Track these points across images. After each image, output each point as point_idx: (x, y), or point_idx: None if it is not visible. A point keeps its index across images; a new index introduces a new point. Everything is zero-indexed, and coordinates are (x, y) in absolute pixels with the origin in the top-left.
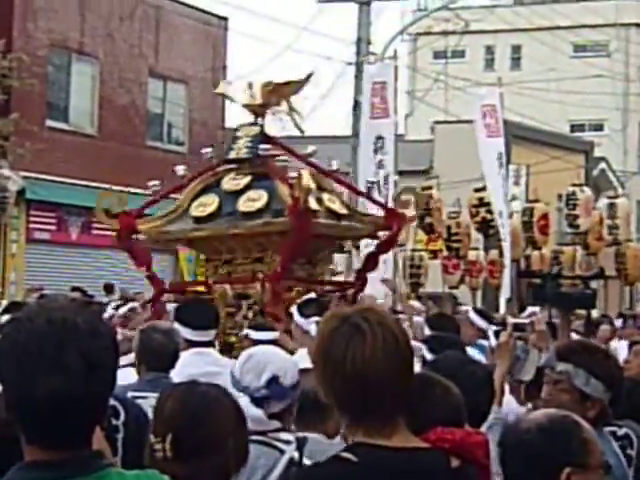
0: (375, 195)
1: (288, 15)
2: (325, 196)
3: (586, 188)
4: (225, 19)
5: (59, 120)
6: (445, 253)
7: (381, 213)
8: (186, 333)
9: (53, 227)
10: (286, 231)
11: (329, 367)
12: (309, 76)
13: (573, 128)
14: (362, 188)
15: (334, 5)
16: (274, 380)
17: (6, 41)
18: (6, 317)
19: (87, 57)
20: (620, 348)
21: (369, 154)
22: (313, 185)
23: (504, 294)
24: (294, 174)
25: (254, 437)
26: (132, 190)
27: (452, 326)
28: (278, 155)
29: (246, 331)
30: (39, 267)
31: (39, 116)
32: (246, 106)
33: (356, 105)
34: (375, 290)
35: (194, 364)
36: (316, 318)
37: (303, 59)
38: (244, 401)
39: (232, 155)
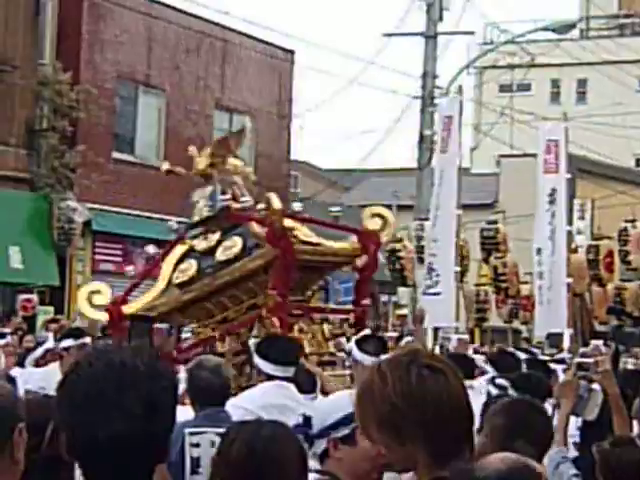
0: None
1: (354, 48)
2: (296, 231)
3: (639, 224)
4: (291, 52)
5: (125, 152)
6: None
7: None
8: (267, 368)
9: (118, 259)
10: (270, 262)
11: (413, 410)
12: (242, 130)
13: (638, 162)
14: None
15: (400, 39)
16: None
17: (73, 73)
18: (66, 342)
19: (154, 89)
20: None
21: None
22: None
23: (553, 328)
24: (262, 204)
25: None
26: None
27: (513, 363)
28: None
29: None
30: None
31: (106, 148)
32: (195, 174)
33: (422, 138)
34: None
35: (274, 395)
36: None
37: (369, 92)
38: None
39: (196, 219)
